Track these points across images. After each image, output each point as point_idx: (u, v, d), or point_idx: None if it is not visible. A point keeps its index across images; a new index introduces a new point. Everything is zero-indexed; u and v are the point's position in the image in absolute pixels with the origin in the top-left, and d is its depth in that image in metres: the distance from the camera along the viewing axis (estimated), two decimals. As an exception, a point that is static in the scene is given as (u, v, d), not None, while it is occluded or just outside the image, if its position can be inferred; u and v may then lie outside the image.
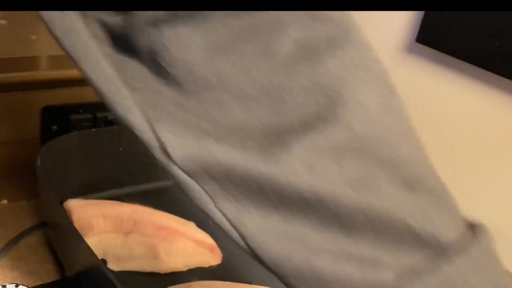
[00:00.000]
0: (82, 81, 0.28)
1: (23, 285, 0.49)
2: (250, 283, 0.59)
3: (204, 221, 0.67)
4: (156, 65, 0.26)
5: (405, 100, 0.96)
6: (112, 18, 0.28)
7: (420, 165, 0.26)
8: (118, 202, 0.65)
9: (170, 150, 0.24)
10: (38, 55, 0.68)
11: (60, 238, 0.57)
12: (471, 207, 0.82)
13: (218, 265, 0.62)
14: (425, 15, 0.79)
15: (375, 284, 0.23)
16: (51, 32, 0.26)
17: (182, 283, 0.57)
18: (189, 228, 0.64)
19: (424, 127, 0.92)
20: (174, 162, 0.24)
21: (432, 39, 0.80)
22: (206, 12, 0.25)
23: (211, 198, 0.25)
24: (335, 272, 0.23)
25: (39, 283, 0.56)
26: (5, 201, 0.68)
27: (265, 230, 0.24)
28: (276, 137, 0.24)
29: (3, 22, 0.63)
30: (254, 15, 0.25)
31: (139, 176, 0.71)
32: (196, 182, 0.25)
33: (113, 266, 0.57)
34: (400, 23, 0.88)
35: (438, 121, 0.86)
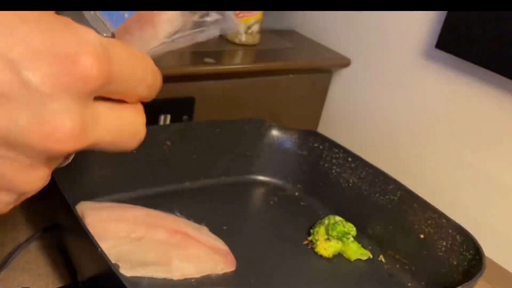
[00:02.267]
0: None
1: (34, 289, 0.48)
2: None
3: (217, 226, 0.65)
4: None
5: (422, 108, 0.94)
6: None
7: None
8: (130, 206, 0.64)
9: None
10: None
11: (73, 241, 0.56)
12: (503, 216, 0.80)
13: (232, 271, 0.61)
14: (445, 21, 0.78)
15: None
16: None
17: (196, 290, 0.56)
18: (203, 233, 0.63)
19: (444, 137, 0.90)
20: None
21: (452, 45, 0.78)
22: None
23: None
24: None
25: (50, 287, 0.55)
26: (16, 202, 0.67)
27: None
28: None
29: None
30: None
31: (152, 179, 0.70)
32: None
33: (125, 271, 0.56)
34: (419, 29, 0.86)
35: (459, 132, 0.85)
